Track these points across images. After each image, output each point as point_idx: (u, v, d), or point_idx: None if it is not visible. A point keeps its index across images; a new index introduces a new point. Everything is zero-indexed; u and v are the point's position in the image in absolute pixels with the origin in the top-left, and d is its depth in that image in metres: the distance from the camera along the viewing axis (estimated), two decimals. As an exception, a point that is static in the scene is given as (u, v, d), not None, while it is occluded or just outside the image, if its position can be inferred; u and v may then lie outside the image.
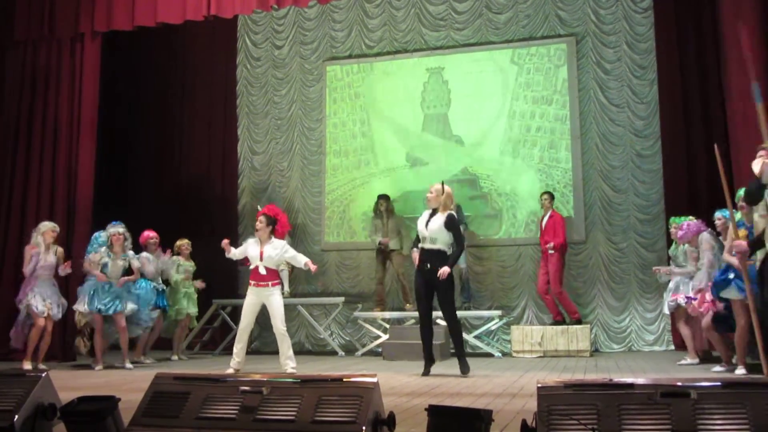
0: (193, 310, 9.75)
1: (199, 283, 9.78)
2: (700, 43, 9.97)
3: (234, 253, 7.73)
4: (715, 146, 6.00)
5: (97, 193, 10.07)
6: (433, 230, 7.06)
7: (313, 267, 7.61)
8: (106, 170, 11.19)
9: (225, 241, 7.69)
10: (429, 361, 7.18)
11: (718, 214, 7.34)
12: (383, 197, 10.76)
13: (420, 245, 7.19)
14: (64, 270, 8.35)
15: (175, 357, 9.67)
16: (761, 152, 5.96)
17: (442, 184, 7.27)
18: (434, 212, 7.19)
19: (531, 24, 11.25)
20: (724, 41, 8.49)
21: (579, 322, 9.67)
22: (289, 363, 7.36)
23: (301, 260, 7.69)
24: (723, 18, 8.36)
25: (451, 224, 7.05)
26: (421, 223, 7.19)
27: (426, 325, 7.24)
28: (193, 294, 9.74)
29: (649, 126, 10.59)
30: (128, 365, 8.36)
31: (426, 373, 7.05)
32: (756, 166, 5.53)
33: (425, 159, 11.50)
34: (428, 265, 7.04)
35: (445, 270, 6.91)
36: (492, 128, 11.26)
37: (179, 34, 11.73)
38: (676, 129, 10.06)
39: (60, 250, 8.47)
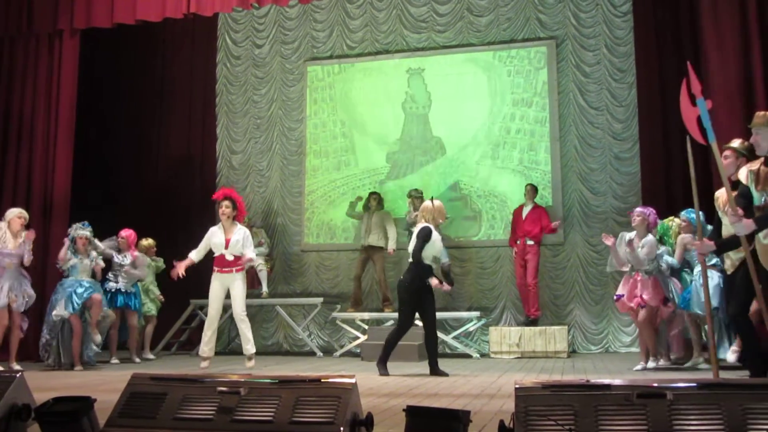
0: (148, 308, 9.71)
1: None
2: (679, 47, 10.04)
3: (195, 257, 7.70)
4: (688, 139, 5.77)
5: (74, 192, 9.99)
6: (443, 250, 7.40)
7: (246, 260, 7.64)
8: (84, 168, 11.10)
9: (178, 270, 7.62)
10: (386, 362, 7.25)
11: (683, 215, 7.55)
12: (373, 194, 10.75)
13: (431, 263, 7.22)
14: (28, 239, 7.94)
15: (137, 359, 9.42)
16: (726, 152, 6.02)
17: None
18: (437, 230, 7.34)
19: (512, 27, 11.30)
20: (702, 40, 8.51)
21: (535, 321, 9.76)
22: (249, 349, 7.44)
23: (249, 255, 7.66)
24: (702, 16, 8.38)
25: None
26: (440, 243, 7.28)
27: (404, 334, 7.33)
28: (150, 292, 9.72)
29: (627, 129, 10.67)
30: (96, 338, 8.28)
31: (384, 373, 7.09)
32: (742, 174, 5.44)
33: (405, 160, 11.52)
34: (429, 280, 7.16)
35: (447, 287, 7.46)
36: (472, 130, 11.30)
37: (159, 31, 11.68)
38: (655, 132, 10.14)
39: (26, 233, 7.98)
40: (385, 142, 11.66)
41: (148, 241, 9.79)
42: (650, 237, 7.50)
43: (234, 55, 12.50)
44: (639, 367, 7.55)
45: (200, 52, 12.51)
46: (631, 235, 7.62)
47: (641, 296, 7.45)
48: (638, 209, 7.80)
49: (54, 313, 8.13)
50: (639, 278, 7.52)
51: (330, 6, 12.05)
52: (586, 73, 10.95)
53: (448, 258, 10.22)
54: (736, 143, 6.20)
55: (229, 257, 7.48)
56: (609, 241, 7.69)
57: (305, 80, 12.14)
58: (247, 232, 7.79)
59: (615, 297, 8.01)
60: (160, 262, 9.82)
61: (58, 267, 8.47)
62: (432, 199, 7.54)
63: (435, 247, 7.17)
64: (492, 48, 11.36)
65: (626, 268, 7.70)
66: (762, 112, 5.43)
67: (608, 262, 8.27)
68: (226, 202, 7.61)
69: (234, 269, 7.50)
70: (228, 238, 7.50)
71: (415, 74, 11.65)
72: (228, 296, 7.72)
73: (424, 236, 7.09)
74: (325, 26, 12.14)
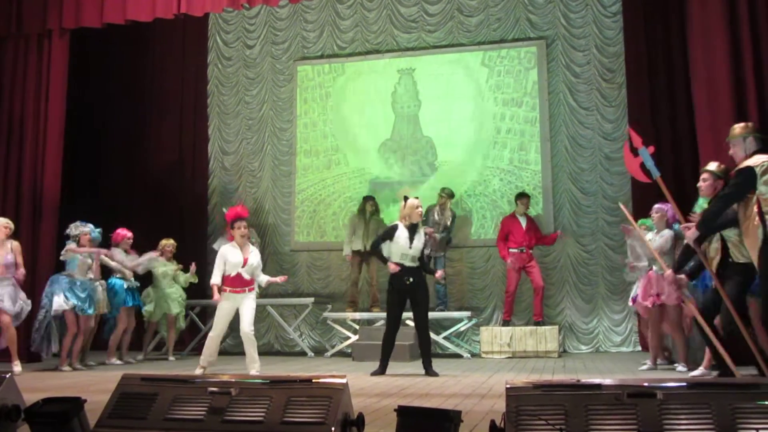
0: (176, 310, 9.77)
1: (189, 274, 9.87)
2: (668, 48, 10.09)
3: (219, 281, 7.50)
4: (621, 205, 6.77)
5: (66, 192, 9.97)
6: (417, 248, 7.30)
7: (280, 279, 7.84)
8: (74, 169, 11.06)
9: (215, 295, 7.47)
10: (385, 364, 7.28)
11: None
12: (370, 198, 10.73)
13: (400, 261, 7.28)
14: (19, 274, 7.95)
15: (140, 357, 9.72)
16: (704, 175, 6.40)
17: (417, 199, 7.56)
18: (414, 228, 7.34)
19: (502, 27, 11.31)
20: (691, 47, 8.61)
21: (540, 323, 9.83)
22: (254, 366, 7.32)
23: (263, 279, 7.65)
24: (690, 21, 8.47)
25: (426, 242, 7.50)
26: (404, 240, 7.27)
27: (393, 333, 7.39)
28: (172, 294, 9.75)
29: (617, 129, 10.69)
30: (78, 365, 8.32)
31: (377, 373, 7.16)
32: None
33: (395, 160, 11.52)
34: (411, 279, 7.24)
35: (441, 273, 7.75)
36: (462, 130, 11.30)
37: (150, 32, 11.64)
38: (644, 133, 10.10)
39: (15, 244, 7.98)
40: (375, 141, 11.65)
41: (168, 241, 9.89)
42: (667, 231, 7.55)
43: (225, 56, 12.47)
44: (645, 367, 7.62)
45: (191, 52, 12.46)
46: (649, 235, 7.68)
47: (657, 294, 7.46)
48: (656, 206, 7.84)
49: (54, 307, 8.02)
50: (654, 275, 7.54)
51: (320, 6, 12.04)
52: (576, 73, 10.97)
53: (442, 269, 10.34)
54: (712, 166, 6.57)
55: (246, 276, 7.39)
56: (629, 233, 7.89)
57: (296, 80, 12.11)
58: (258, 253, 7.66)
59: (631, 300, 7.97)
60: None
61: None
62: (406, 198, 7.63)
63: (398, 244, 7.30)
64: (482, 48, 11.37)
65: (641, 263, 7.71)
66: (736, 125, 5.91)
67: (625, 271, 8.30)
68: (245, 222, 7.51)
69: (247, 289, 7.41)
70: (246, 257, 7.39)
71: (405, 74, 11.65)
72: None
73: (384, 232, 7.58)
74: (316, 26, 12.13)
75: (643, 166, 6.17)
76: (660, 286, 7.44)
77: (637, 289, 7.99)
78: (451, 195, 10.48)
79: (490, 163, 11.13)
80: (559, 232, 10.31)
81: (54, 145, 9.79)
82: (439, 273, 7.74)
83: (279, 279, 7.77)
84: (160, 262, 9.69)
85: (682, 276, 6.36)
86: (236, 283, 7.35)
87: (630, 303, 8.06)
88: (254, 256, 7.48)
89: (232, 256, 7.34)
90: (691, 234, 5.79)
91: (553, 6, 11.15)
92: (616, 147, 10.67)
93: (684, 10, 8.92)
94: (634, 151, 6.28)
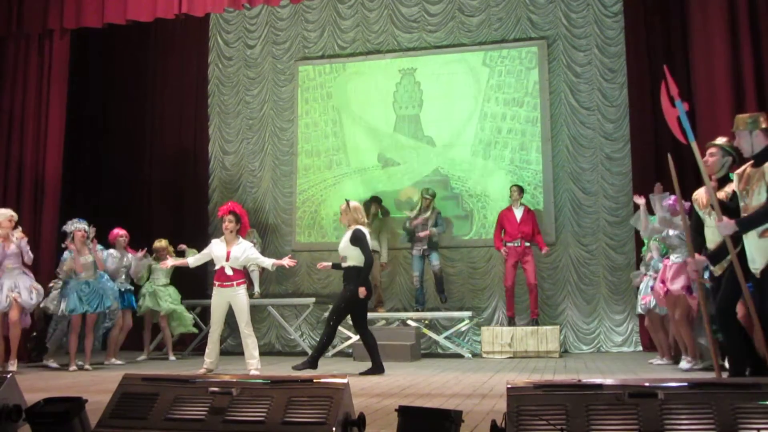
0: (165, 306, 9.74)
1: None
2: (669, 47, 10.09)
3: (192, 262, 7.83)
4: (669, 156, 6.01)
5: (66, 190, 9.98)
6: (342, 248, 7.51)
7: (287, 262, 7.65)
8: (76, 167, 11.06)
9: (180, 261, 7.89)
10: (377, 362, 7.36)
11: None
12: (375, 199, 10.73)
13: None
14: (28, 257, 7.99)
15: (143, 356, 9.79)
16: (712, 149, 6.01)
17: (347, 202, 7.68)
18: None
19: (503, 27, 11.31)
20: (692, 41, 8.59)
21: (536, 321, 9.83)
22: (253, 363, 7.33)
23: (267, 262, 7.71)
24: (691, 21, 8.48)
25: (355, 239, 7.38)
26: (343, 242, 7.55)
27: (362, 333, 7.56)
28: (160, 291, 9.76)
29: (618, 129, 10.69)
30: (87, 366, 8.30)
31: (363, 371, 7.25)
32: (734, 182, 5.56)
33: (397, 160, 11.52)
34: (344, 283, 7.50)
35: (362, 291, 7.34)
36: (463, 129, 11.30)
37: (151, 31, 11.65)
38: (646, 132, 10.16)
39: (19, 234, 7.97)
40: (376, 141, 11.65)
41: (161, 243, 9.89)
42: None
43: (226, 55, 12.47)
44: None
45: (192, 52, 12.45)
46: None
47: (665, 282, 7.42)
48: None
49: (60, 310, 8.21)
50: (669, 263, 7.48)
51: (321, 6, 12.04)
52: (577, 73, 10.97)
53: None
54: (721, 140, 6.03)
55: (229, 271, 7.41)
56: (641, 201, 7.73)
57: (296, 80, 12.11)
58: (249, 245, 7.71)
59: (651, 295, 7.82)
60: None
61: (59, 277, 8.45)
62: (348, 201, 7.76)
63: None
64: (483, 48, 11.37)
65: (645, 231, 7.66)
66: (740, 115, 5.45)
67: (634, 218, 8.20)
68: (230, 216, 7.54)
69: (235, 283, 7.42)
70: (229, 250, 7.46)
71: (406, 74, 11.64)
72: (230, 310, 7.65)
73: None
74: (317, 26, 12.13)
75: (680, 121, 5.53)
76: (670, 273, 7.39)
77: (647, 289, 7.97)
78: (434, 195, 10.45)
79: (491, 162, 11.13)
80: (546, 250, 10.16)
81: (55, 145, 9.80)
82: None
83: (286, 262, 7.69)
84: (152, 262, 9.80)
85: (703, 258, 5.63)
86: (222, 277, 7.47)
87: (648, 299, 7.95)
88: (240, 249, 7.49)
89: (217, 248, 7.54)
90: (728, 229, 5.12)
91: (554, 6, 11.14)
92: (618, 147, 10.67)
93: (684, 10, 8.92)
94: (672, 100, 5.60)
